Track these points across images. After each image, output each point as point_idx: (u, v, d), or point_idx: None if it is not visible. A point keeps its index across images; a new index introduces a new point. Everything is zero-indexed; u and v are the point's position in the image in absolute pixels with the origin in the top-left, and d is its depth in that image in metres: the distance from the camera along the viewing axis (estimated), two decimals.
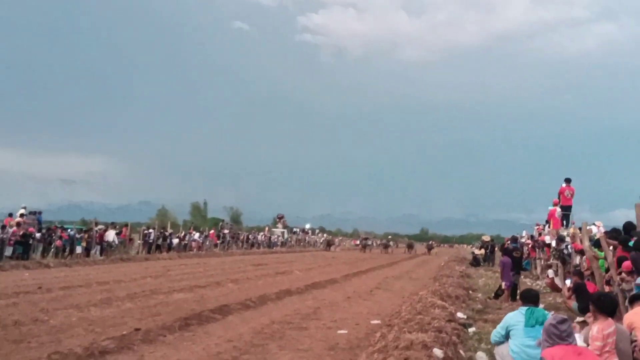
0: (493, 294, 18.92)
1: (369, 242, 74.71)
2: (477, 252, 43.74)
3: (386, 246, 71.10)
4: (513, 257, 19.05)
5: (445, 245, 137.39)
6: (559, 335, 5.96)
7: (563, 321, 6.14)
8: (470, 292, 20.68)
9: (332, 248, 72.23)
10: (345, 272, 30.64)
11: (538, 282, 23.99)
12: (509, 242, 22.25)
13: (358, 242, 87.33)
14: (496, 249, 41.23)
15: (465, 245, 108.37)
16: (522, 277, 21.52)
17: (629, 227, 12.86)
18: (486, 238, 44.69)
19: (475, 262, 40.34)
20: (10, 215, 32.96)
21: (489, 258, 41.01)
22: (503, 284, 18.26)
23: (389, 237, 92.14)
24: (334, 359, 9.63)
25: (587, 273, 14.65)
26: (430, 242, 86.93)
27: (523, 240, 30.53)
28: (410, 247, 73.55)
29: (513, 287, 18.00)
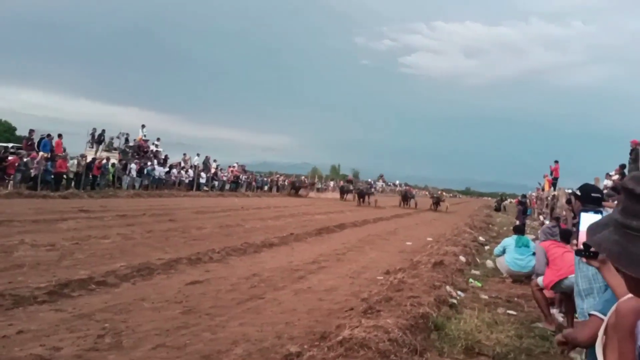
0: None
1: (350, 188, 34.35)
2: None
3: (437, 202, 31.74)
4: (525, 206, 18.56)
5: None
6: (551, 233, 5.80)
7: (554, 226, 5.96)
8: (490, 225, 20.01)
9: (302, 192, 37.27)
10: (421, 208, 30.33)
11: (535, 222, 22.95)
12: (520, 198, 21.53)
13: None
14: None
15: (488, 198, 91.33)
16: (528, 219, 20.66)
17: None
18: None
19: (497, 208, 38.58)
20: (230, 166, 35.21)
21: (503, 207, 39.14)
22: (517, 222, 17.64)
23: (439, 191, 41.50)
24: (401, 257, 9.64)
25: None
26: (440, 193, 37.18)
27: (531, 195, 29.06)
28: (360, 195, 30.29)
29: (522, 224, 17.38)
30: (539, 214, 23.08)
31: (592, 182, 12.03)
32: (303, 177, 43.62)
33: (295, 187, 37.11)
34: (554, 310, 5.54)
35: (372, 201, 29.65)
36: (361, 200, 29.71)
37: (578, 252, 1.84)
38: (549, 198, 19.44)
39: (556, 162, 22.71)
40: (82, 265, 6.52)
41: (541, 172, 24.45)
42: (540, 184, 25.04)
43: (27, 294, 4.86)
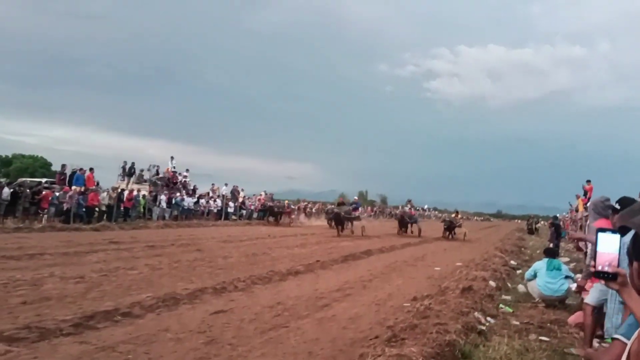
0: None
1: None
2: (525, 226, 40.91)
3: (451, 228, 24.45)
4: (557, 227, 17.97)
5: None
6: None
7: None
8: (522, 249, 19.40)
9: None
10: (428, 237, 29.40)
11: (569, 244, 22.12)
12: (552, 220, 20.80)
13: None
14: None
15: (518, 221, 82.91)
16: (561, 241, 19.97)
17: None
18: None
19: (530, 231, 37.43)
20: (256, 195, 35.40)
21: (535, 229, 37.91)
22: (551, 244, 17.06)
23: (454, 213, 30.74)
24: (429, 284, 9.41)
25: None
26: (453, 216, 27.52)
27: (564, 216, 28.19)
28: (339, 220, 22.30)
29: (556, 246, 16.75)
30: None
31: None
32: (286, 202, 33.84)
33: (274, 213, 28.92)
34: None
35: (356, 228, 23.06)
36: (338, 227, 22.44)
37: (597, 274, 1.75)
38: (582, 219, 18.83)
39: (588, 181, 22.04)
40: (108, 296, 6.60)
41: (570, 193, 23.66)
42: (571, 205, 24.30)
43: (52, 327, 4.92)
